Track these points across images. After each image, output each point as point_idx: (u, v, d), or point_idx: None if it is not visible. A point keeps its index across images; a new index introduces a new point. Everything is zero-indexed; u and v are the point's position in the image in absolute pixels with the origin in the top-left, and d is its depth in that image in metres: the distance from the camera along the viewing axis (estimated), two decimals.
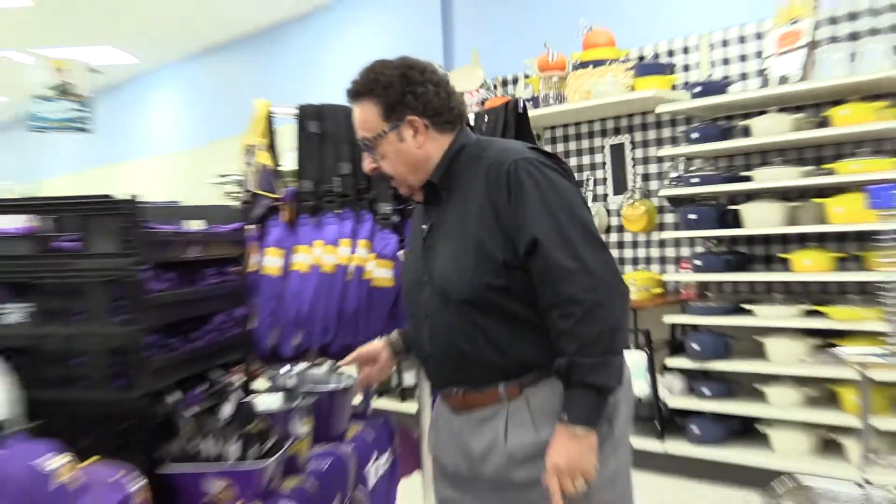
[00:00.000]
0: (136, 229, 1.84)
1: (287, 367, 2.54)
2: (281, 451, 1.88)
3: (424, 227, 1.93)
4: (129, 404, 1.82)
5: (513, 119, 3.03)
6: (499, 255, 1.76)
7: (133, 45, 9.06)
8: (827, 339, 4.15)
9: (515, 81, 5.95)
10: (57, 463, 1.48)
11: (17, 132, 12.84)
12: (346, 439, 2.43)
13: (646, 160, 5.29)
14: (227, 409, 1.93)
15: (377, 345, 2.17)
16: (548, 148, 5.15)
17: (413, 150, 1.87)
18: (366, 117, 1.87)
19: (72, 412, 1.85)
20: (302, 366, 2.60)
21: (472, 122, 3.02)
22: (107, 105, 10.32)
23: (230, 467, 1.78)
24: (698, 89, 4.62)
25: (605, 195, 5.48)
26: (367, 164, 1.92)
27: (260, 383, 2.62)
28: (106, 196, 1.87)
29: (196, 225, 2.45)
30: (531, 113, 5.24)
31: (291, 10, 7.95)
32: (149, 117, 10.42)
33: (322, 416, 2.32)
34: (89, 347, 1.85)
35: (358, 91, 1.89)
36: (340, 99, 2.79)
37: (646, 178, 5.29)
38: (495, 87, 5.87)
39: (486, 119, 3.16)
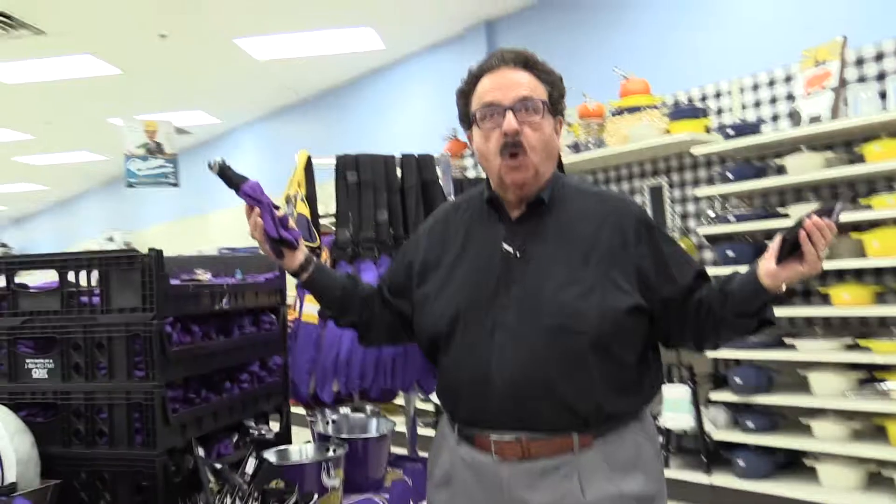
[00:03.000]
0: (156, 284, 1.63)
1: (327, 413, 2.30)
2: None
3: (509, 247, 1.58)
4: (151, 461, 1.60)
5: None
6: (631, 296, 1.52)
7: (215, 108, 9.11)
8: (870, 373, 3.75)
9: None
10: None
11: (118, 187, 13.07)
12: (382, 487, 2.17)
13: (683, 200, 4.97)
14: (249, 466, 1.69)
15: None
16: None
17: (556, 142, 1.62)
18: (535, 86, 1.57)
19: (95, 469, 1.64)
20: (343, 411, 2.36)
21: None
22: (196, 161, 10.38)
23: None
24: (731, 131, 4.32)
25: None
26: (513, 124, 1.52)
27: (299, 429, 2.39)
28: (126, 251, 1.67)
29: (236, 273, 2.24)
30: (573, 158, 5.04)
31: (351, 74, 7.90)
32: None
33: (357, 463, 2.06)
34: (111, 403, 1.64)
35: (535, 64, 1.59)
36: (403, 150, 2.59)
37: (684, 217, 4.96)
38: None
39: None
